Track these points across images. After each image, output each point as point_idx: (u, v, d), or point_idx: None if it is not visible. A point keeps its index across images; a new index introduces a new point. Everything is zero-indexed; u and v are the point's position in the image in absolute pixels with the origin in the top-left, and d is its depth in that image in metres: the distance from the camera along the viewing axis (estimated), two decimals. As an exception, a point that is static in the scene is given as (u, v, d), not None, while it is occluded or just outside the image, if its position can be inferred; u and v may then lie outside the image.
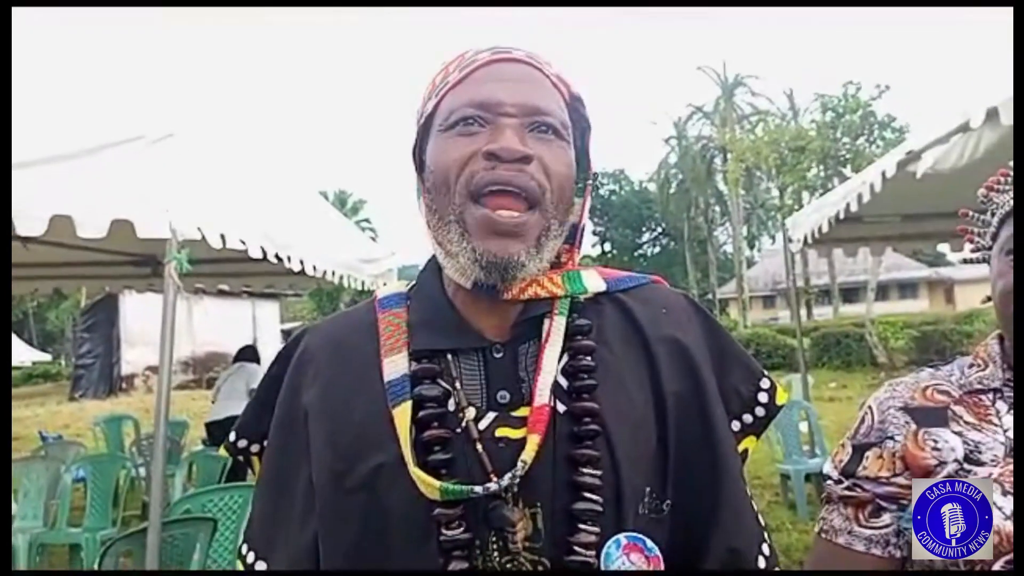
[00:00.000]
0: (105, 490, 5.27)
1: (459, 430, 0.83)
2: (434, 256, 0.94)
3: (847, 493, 1.12)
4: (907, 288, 41.59)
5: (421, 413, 0.83)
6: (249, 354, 7.22)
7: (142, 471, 6.44)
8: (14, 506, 5.30)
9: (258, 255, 3.57)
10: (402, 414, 0.83)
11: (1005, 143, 2.96)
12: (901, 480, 1.08)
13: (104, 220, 2.70)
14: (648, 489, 0.85)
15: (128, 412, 10.17)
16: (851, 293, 38.20)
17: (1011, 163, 1.15)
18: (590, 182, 0.94)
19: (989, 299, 1.20)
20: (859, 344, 19.40)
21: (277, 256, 3.77)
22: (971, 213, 1.18)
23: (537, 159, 0.83)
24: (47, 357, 34.58)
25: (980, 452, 1.03)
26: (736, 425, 0.94)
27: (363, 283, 5.53)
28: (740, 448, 0.94)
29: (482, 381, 0.87)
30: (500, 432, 0.83)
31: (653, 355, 0.90)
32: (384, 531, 0.82)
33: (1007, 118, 2.70)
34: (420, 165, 0.92)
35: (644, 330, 0.91)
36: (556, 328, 0.88)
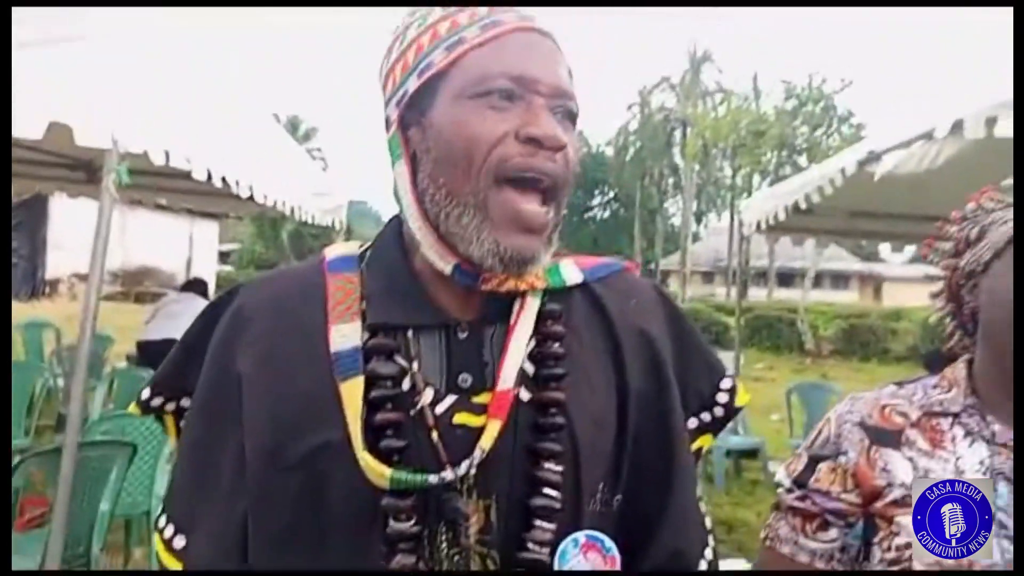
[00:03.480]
0: (19, 399, 5.09)
1: (413, 413, 0.78)
2: (393, 221, 0.88)
3: (796, 504, 1.12)
4: (839, 279, 42.94)
5: (373, 393, 0.77)
6: (199, 288, 7.00)
7: (60, 382, 6.23)
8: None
9: (203, 177, 3.40)
10: (351, 390, 0.77)
11: (965, 156, 3.02)
12: (851, 497, 1.08)
13: (41, 121, 2.52)
14: (601, 484, 0.82)
15: (49, 319, 9.80)
16: (786, 278, 39.26)
17: (990, 186, 1.14)
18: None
19: (936, 294, 1.20)
20: (790, 329, 20.04)
21: (224, 180, 3.60)
22: (935, 243, 1.17)
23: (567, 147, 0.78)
24: (-34, 252, 33.03)
25: (928, 480, 1.04)
26: (693, 423, 0.92)
27: (313, 216, 5.37)
28: (695, 446, 0.93)
29: (443, 362, 0.81)
30: (459, 419, 0.78)
31: (620, 347, 0.87)
32: (321, 516, 0.76)
33: (972, 132, 2.73)
34: (407, 121, 0.82)
35: (613, 320, 0.88)
36: (527, 311, 0.83)
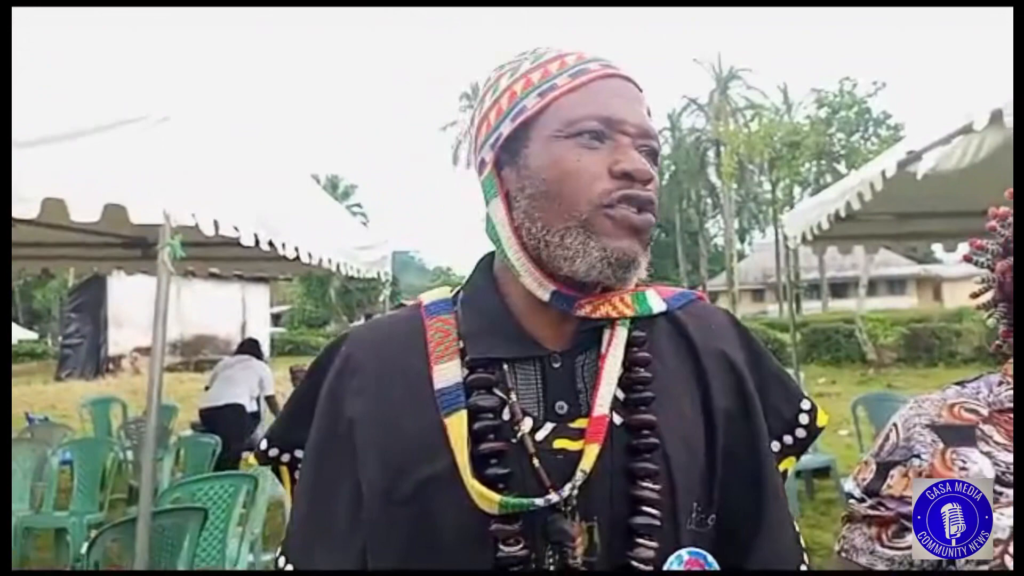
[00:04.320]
0: (92, 473, 5.23)
1: (514, 440, 0.82)
2: (484, 262, 0.94)
3: (870, 512, 1.10)
4: (896, 284, 41.81)
5: (476, 425, 0.82)
6: (252, 348, 7.17)
7: (129, 454, 6.39)
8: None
9: (251, 242, 3.52)
10: (456, 424, 0.82)
11: (1009, 145, 2.95)
12: None
13: (97, 204, 2.64)
14: (695, 504, 0.85)
15: (115, 394, 10.12)
16: (840, 288, 38.42)
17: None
18: None
19: (976, 295, 1.17)
20: (848, 340, 19.50)
21: (271, 243, 3.72)
22: (984, 244, 1.15)
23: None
24: (33, 336, 34.31)
25: (1011, 474, 1.01)
26: (776, 446, 0.94)
27: (359, 270, 5.48)
28: (780, 468, 0.95)
29: (539, 391, 0.85)
30: (558, 444, 0.82)
31: (704, 369, 0.90)
32: (434, 545, 0.80)
33: (1011, 120, 2.68)
34: (501, 162, 0.89)
35: (695, 344, 0.92)
36: (617, 339, 0.88)
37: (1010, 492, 0.99)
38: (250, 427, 7.15)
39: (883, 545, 1.08)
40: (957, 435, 1.06)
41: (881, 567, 1.07)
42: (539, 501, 0.78)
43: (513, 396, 0.84)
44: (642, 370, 0.87)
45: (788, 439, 0.95)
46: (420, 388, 0.85)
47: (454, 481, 0.78)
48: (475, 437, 0.81)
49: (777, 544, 0.89)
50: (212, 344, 22.29)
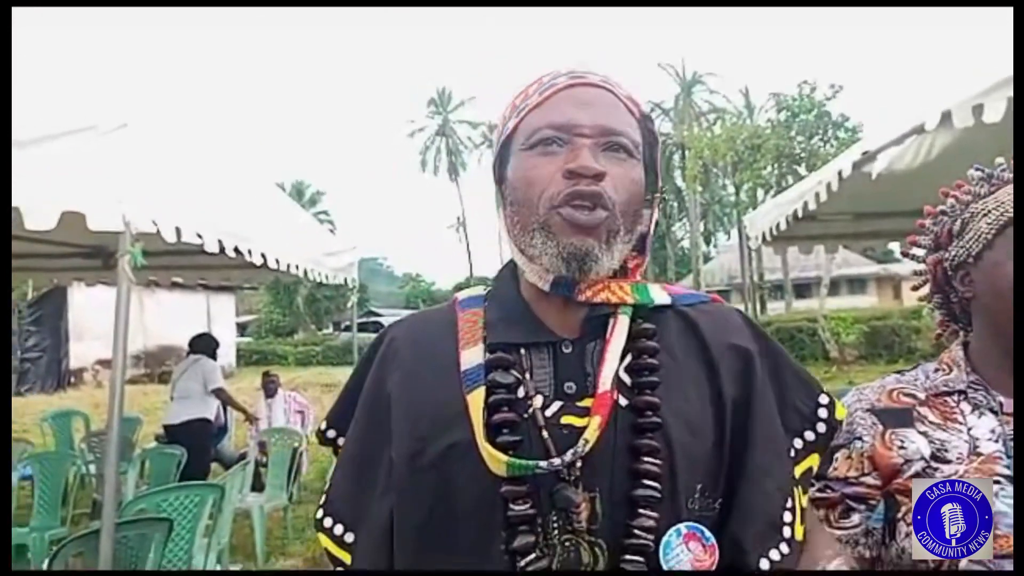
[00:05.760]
0: (54, 488, 5.12)
1: (526, 415, 0.90)
2: (510, 262, 1.04)
3: (817, 495, 1.14)
4: (856, 284, 42.54)
5: (492, 398, 0.91)
6: (204, 344, 6.96)
7: (92, 468, 6.27)
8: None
9: (215, 249, 3.48)
10: (476, 398, 0.91)
11: (958, 145, 3.04)
12: (869, 480, 1.11)
13: (54, 211, 2.60)
14: (700, 487, 0.89)
15: (77, 407, 9.90)
16: (803, 288, 38.99)
17: (973, 168, 1.17)
18: (657, 195, 1.03)
19: (916, 288, 1.24)
20: (811, 339, 19.83)
21: (236, 250, 3.68)
22: (927, 224, 1.20)
23: (609, 176, 0.91)
24: (-10, 351, 33.39)
25: (946, 451, 1.07)
26: (799, 443, 0.98)
27: (326, 276, 5.45)
28: (804, 467, 0.97)
29: (551, 373, 0.94)
30: (565, 420, 0.90)
31: (715, 362, 0.96)
32: (452, 506, 0.88)
33: (960, 121, 2.75)
34: (499, 178, 1.00)
35: (706, 340, 0.98)
36: (620, 326, 0.95)
37: (945, 468, 1.05)
38: (217, 438, 7.05)
39: (831, 526, 1.12)
40: (895, 417, 1.11)
41: None
42: (543, 464, 0.85)
43: (528, 376, 0.93)
44: (649, 358, 0.94)
45: (810, 435, 0.98)
46: (449, 369, 0.95)
47: (471, 449, 0.87)
48: (491, 409, 0.90)
49: (746, 519, 0.90)
50: (176, 355, 21.87)
